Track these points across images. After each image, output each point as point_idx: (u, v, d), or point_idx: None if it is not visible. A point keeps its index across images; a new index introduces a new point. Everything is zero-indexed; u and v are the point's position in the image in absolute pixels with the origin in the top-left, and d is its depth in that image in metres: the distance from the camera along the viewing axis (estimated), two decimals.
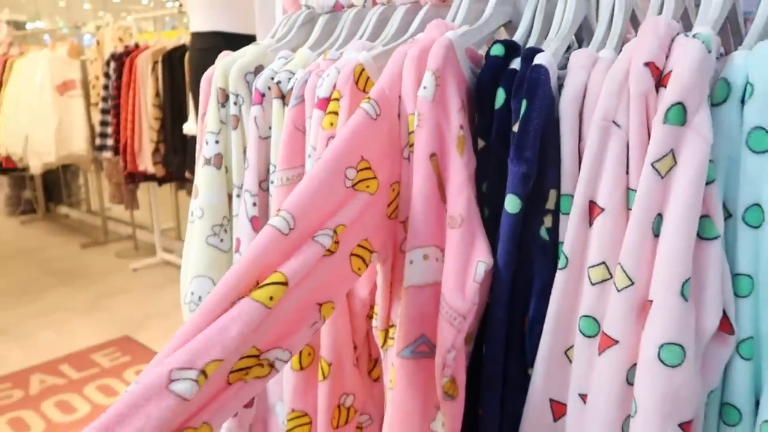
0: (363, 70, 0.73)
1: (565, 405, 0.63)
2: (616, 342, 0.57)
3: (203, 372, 0.48)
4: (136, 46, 3.39)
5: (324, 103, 0.74)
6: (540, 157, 0.61)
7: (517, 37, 0.74)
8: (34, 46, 4.40)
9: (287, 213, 0.56)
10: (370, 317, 0.77)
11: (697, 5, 0.65)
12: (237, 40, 2.00)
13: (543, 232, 0.63)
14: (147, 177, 3.34)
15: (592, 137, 0.59)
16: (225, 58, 0.92)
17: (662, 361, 0.53)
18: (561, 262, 0.61)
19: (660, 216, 0.55)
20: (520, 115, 0.61)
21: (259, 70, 0.89)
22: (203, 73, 0.95)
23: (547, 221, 0.63)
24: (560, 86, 0.62)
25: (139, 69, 3.18)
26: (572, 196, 0.61)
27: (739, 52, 0.57)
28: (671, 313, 0.53)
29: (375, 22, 0.88)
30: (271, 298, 0.53)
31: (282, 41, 0.96)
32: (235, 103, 0.89)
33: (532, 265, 0.64)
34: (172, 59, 3.09)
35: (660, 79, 0.57)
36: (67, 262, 3.92)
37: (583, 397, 0.60)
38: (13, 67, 3.99)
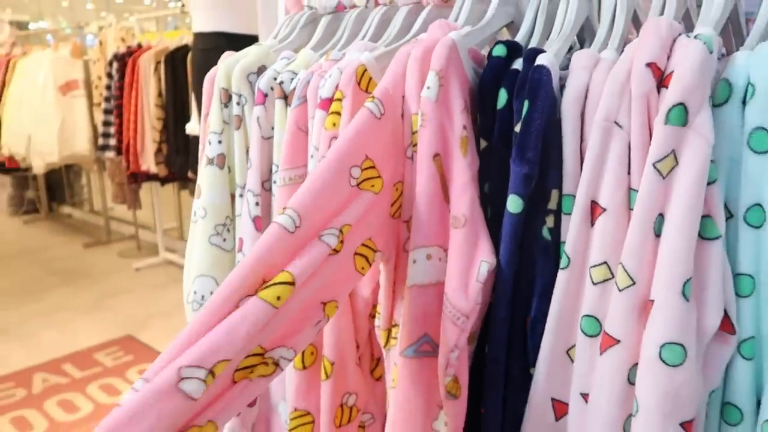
0: (365, 70, 0.73)
1: (566, 404, 0.63)
2: (618, 341, 0.57)
3: (212, 372, 0.49)
4: (139, 46, 3.39)
5: (326, 103, 0.74)
6: (542, 158, 0.61)
7: (519, 38, 0.74)
8: (37, 47, 4.40)
9: (293, 211, 0.56)
10: (372, 316, 0.77)
11: (699, 6, 0.65)
12: (239, 41, 2.00)
13: (545, 232, 0.63)
14: (149, 177, 3.35)
15: (593, 138, 0.59)
16: (228, 58, 0.92)
17: (663, 361, 0.53)
18: (563, 262, 0.61)
19: (661, 216, 0.55)
20: (522, 116, 0.62)
21: (261, 70, 0.89)
22: (206, 73, 0.95)
23: (549, 221, 0.63)
24: (562, 87, 0.63)
25: (142, 69, 3.18)
26: (574, 197, 0.61)
27: (741, 53, 0.57)
28: (672, 312, 0.53)
29: (377, 23, 0.88)
30: (278, 298, 0.53)
31: (284, 42, 0.96)
32: (238, 104, 0.89)
33: (534, 265, 0.64)
34: (174, 59, 3.10)
35: (661, 80, 0.57)
36: (70, 262, 3.93)
37: (585, 396, 0.61)
38: (16, 67, 4.00)
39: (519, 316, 0.65)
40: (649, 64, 0.56)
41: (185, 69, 3.05)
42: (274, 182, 0.85)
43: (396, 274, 0.68)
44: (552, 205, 0.63)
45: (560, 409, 0.64)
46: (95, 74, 3.73)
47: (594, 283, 0.59)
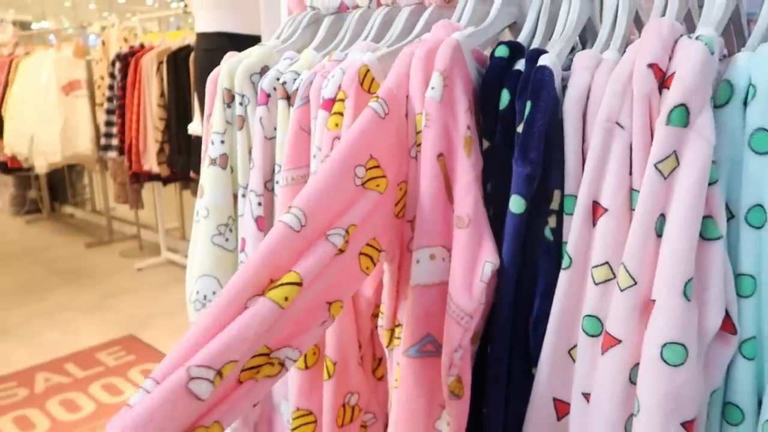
0: (368, 71, 0.73)
1: (568, 404, 0.63)
2: (619, 341, 0.57)
3: (220, 373, 0.49)
4: (141, 46, 3.40)
5: (329, 103, 0.75)
6: (544, 158, 0.61)
7: (522, 39, 0.74)
8: (39, 47, 4.41)
9: (299, 210, 0.57)
10: (374, 316, 0.77)
11: (701, 6, 0.66)
12: (242, 41, 2.00)
13: (547, 233, 0.64)
14: (152, 177, 3.35)
15: (595, 138, 0.59)
16: (231, 58, 0.93)
17: (665, 361, 0.53)
18: (564, 262, 0.61)
19: (663, 216, 0.55)
20: (525, 116, 0.62)
21: (264, 70, 0.89)
22: (208, 73, 0.95)
23: (552, 221, 0.63)
24: (564, 87, 0.63)
25: (144, 69, 3.19)
26: (576, 197, 0.61)
27: (742, 54, 0.57)
28: (674, 312, 0.53)
29: (380, 24, 0.88)
30: (286, 299, 0.53)
31: (287, 42, 0.96)
32: (241, 104, 0.90)
33: (537, 265, 0.64)
34: (176, 60, 3.10)
35: (663, 81, 0.57)
36: (72, 262, 3.94)
37: (587, 396, 0.61)
38: (19, 67, 4.01)
39: (521, 316, 0.65)
40: (650, 65, 0.57)
41: (187, 69, 3.05)
42: (277, 182, 0.86)
43: (400, 274, 0.68)
44: (554, 205, 0.63)
45: (562, 408, 0.64)
46: (98, 74, 3.74)
47: (596, 283, 0.59)
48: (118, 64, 3.34)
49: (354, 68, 0.73)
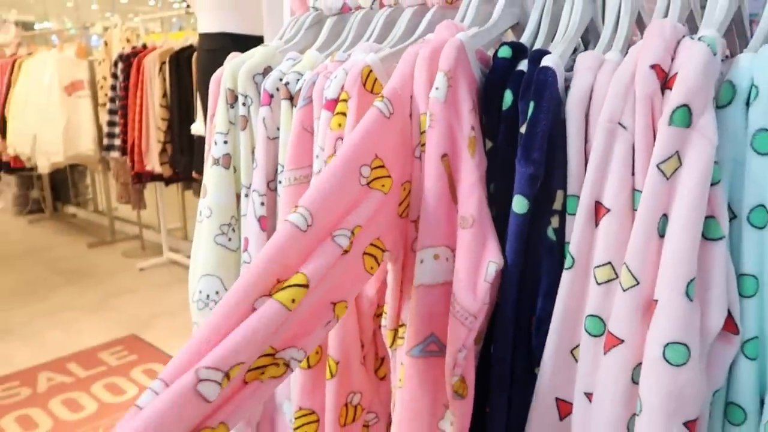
0: (371, 71, 0.73)
1: (571, 404, 0.63)
2: (622, 341, 0.57)
3: (228, 375, 0.49)
4: (144, 47, 3.41)
5: (332, 104, 0.75)
6: (547, 158, 0.62)
7: (524, 39, 0.74)
8: (42, 47, 4.43)
9: (305, 210, 0.57)
10: (377, 316, 0.78)
11: (703, 7, 0.66)
12: (245, 41, 2.00)
13: (550, 233, 0.64)
14: (154, 177, 3.36)
15: (598, 139, 0.59)
16: (234, 59, 0.93)
17: (667, 360, 0.53)
18: (567, 262, 0.62)
19: (665, 217, 0.55)
20: (528, 117, 0.62)
21: (267, 71, 0.89)
22: (211, 73, 0.96)
23: (554, 222, 0.64)
24: (567, 88, 0.63)
25: (147, 70, 3.19)
26: (578, 197, 0.61)
27: (745, 55, 0.57)
28: (676, 312, 0.54)
29: (382, 24, 0.88)
30: (293, 301, 0.53)
31: (290, 43, 0.96)
32: (244, 104, 0.90)
33: (540, 265, 0.64)
34: (179, 60, 3.11)
35: (665, 82, 0.57)
36: (75, 262, 3.95)
37: (589, 395, 0.61)
38: (22, 67, 4.02)
39: (524, 316, 0.65)
40: (653, 66, 0.57)
41: (190, 70, 3.06)
42: (280, 182, 0.86)
43: (403, 274, 0.68)
44: (557, 205, 0.63)
45: (564, 408, 0.64)
46: (100, 75, 3.75)
47: (598, 283, 0.60)
48: (120, 65, 3.35)
49: (357, 69, 0.73)
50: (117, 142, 3.47)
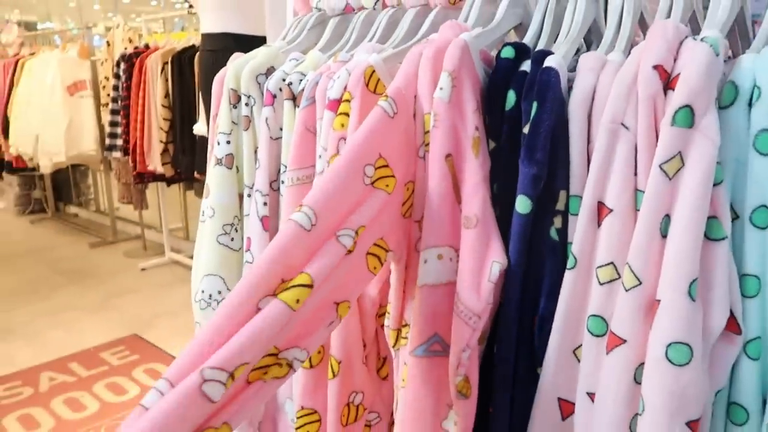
0: (373, 72, 0.74)
1: (573, 404, 0.63)
2: (624, 341, 0.57)
3: (232, 375, 0.49)
4: (146, 47, 3.41)
5: (335, 104, 0.75)
6: (550, 159, 0.62)
7: (527, 40, 0.74)
8: (44, 47, 4.43)
9: (309, 209, 0.57)
10: (379, 316, 0.78)
11: (705, 8, 0.66)
12: (247, 42, 2.01)
13: (553, 233, 0.64)
14: (156, 177, 3.36)
15: (600, 139, 0.59)
16: (237, 59, 0.93)
17: (670, 360, 0.54)
18: (569, 262, 0.62)
19: (668, 217, 0.56)
20: (531, 117, 0.62)
21: (270, 71, 0.90)
22: (213, 73, 0.96)
23: (557, 222, 0.64)
24: (569, 89, 0.63)
25: (149, 70, 3.20)
26: (581, 197, 0.61)
27: (747, 56, 0.57)
28: (679, 312, 0.54)
29: (385, 25, 0.88)
30: (297, 301, 0.53)
31: (293, 43, 0.97)
32: (247, 104, 0.90)
33: (543, 265, 0.64)
34: (181, 60, 3.11)
35: (668, 82, 0.57)
36: (76, 262, 3.95)
37: (591, 395, 0.61)
38: (24, 67, 4.03)
39: (527, 316, 0.65)
40: (655, 67, 0.57)
41: (192, 70, 3.06)
42: (282, 182, 0.86)
43: (407, 274, 0.68)
44: (560, 205, 0.63)
45: (567, 408, 0.64)
46: (102, 75, 3.75)
47: (600, 283, 0.60)
48: (122, 65, 3.35)
49: (360, 69, 0.74)
50: (119, 142, 3.47)
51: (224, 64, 0.94)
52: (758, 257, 0.56)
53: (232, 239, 0.93)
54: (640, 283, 0.56)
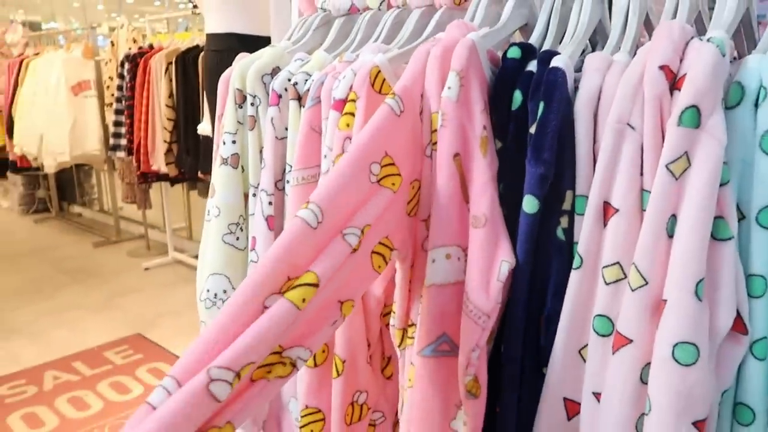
0: (379, 72, 0.74)
1: (579, 404, 0.63)
2: (630, 341, 0.57)
3: (239, 375, 0.49)
4: (150, 47, 3.42)
5: (340, 104, 0.75)
6: (557, 159, 0.62)
7: (533, 40, 0.74)
8: (49, 47, 4.44)
9: (316, 206, 0.57)
10: (384, 315, 0.78)
11: (711, 9, 0.66)
12: (251, 42, 2.01)
13: (559, 233, 0.64)
14: (159, 177, 3.37)
15: (606, 139, 0.59)
16: (242, 59, 0.93)
17: (676, 360, 0.54)
18: (575, 262, 0.62)
19: (674, 217, 0.56)
20: (538, 117, 0.62)
21: (275, 71, 0.90)
22: (217, 73, 0.96)
23: (564, 222, 0.64)
24: (575, 89, 0.63)
25: (153, 70, 3.20)
26: (587, 197, 0.61)
27: (753, 56, 0.58)
28: (685, 312, 0.54)
29: (390, 25, 0.89)
30: (303, 300, 0.53)
31: (298, 43, 0.97)
32: (252, 104, 0.90)
33: (549, 265, 0.64)
34: (185, 60, 3.12)
35: (674, 83, 0.57)
36: (80, 261, 3.96)
37: (597, 395, 0.61)
38: (29, 67, 4.04)
39: (533, 316, 0.65)
40: (661, 67, 0.57)
41: (196, 70, 3.07)
42: (287, 182, 0.86)
43: (413, 273, 0.68)
44: (566, 205, 0.63)
45: (572, 408, 0.64)
46: (107, 75, 3.76)
47: (606, 283, 0.60)
48: (127, 65, 3.36)
49: (365, 69, 0.74)
50: (123, 142, 3.48)
51: (229, 64, 0.95)
52: (764, 257, 0.56)
53: (238, 238, 0.93)
54: (647, 283, 0.56)
